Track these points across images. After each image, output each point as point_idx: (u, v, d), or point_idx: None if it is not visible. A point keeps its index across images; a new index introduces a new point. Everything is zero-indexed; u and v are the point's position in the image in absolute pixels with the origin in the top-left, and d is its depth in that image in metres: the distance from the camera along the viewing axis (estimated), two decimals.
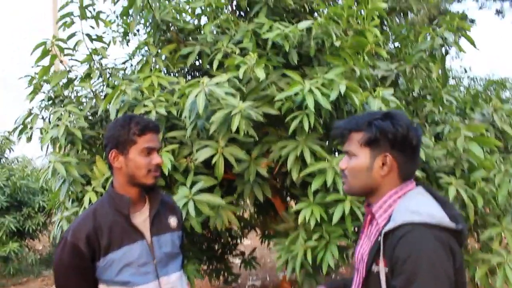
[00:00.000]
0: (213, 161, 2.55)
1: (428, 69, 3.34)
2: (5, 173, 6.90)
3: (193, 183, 2.71)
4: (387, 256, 1.23)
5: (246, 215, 5.10)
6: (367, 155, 1.35)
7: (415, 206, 1.26)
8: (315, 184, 2.59)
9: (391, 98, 2.63)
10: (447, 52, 3.29)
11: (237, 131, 2.46)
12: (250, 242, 7.94)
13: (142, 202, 1.77)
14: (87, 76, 3.15)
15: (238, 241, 5.13)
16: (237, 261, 5.14)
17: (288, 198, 3.81)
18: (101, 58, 3.39)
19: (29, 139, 3.30)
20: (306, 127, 2.51)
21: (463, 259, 1.30)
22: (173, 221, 1.84)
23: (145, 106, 2.72)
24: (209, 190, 3.01)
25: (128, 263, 1.65)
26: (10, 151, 7.76)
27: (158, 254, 1.72)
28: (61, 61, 3.45)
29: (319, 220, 2.59)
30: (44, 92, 3.27)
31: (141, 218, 1.73)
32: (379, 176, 1.34)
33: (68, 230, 1.67)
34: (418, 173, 2.75)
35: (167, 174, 2.69)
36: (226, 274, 4.96)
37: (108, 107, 2.94)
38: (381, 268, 1.24)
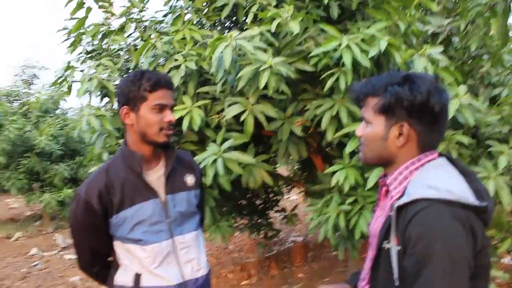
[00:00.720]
0: (242, 118, 2.46)
1: (486, 26, 3.01)
2: (59, 123, 7.18)
3: (225, 140, 2.65)
4: (400, 233, 1.11)
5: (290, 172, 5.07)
6: (382, 123, 1.21)
7: (433, 180, 1.12)
8: (351, 146, 2.44)
9: (439, 57, 2.39)
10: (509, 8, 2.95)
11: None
12: (296, 197, 7.94)
13: (157, 159, 1.71)
14: (121, 29, 3.10)
15: (281, 197, 5.11)
16: (280, 217, 5.14)
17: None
18: (140, 11, 3.34)
19: (68, 90, 3.35)
20: (342, 86, 2.35)
21: (487, 238, 1.13)
22: (190, 179, 1.78)
23: (176, 60, 2.64)
24: (244, 147, 2.95)
25: (140, 221, 1.62)
26: (64, 102, 8.05)
27: (173, 213, 1.68)
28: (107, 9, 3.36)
29: (353, 184, 2.46)
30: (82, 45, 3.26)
31: (156, 176, 1.69)
32: (394, 146, 1.21)
33: (81, 187, 1.66)
34: (466, 139, 2.53)
35: (196, 130, 2.65)
36: (266, 229, 4.98)
37: (141, 60, 2.89)
38: (393, 246, 1.13)
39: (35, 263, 5.79)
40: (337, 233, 2.85)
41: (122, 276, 1.66)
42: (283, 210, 5.09)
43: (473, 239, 1.07)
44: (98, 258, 1.74)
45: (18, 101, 8.03)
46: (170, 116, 1.63)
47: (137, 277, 1.63)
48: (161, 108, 1.61)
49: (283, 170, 10.50)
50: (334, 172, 2.60)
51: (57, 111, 7.87)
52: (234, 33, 2.31)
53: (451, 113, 2.28)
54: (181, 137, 3.09)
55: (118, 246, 1.68)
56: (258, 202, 4.88)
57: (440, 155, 1.23)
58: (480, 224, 1.10)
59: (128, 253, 1.65)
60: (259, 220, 5.00)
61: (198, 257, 1.74)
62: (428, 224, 1.05)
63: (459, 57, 3.26)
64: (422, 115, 1.16)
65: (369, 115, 1.23)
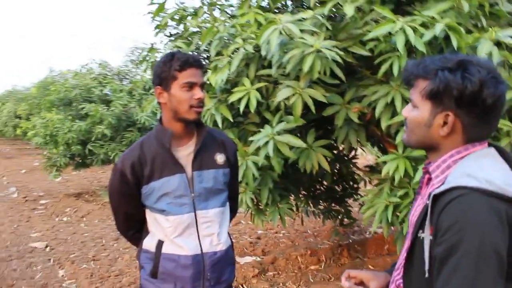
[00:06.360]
0: (290, 102, 2.47)
1: None
2: None
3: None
4: (434, 222, 1.07)
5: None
6: (428, 109, 1.14)
7: (474, 169, 1.07)
8: (401, 135, 2.34)
9: (508, 40, 2.17)
10: None
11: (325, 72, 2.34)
12: None
13: (189, 137, 1.81)
14: (196, 13, 3.26)
15: (360, 185, 5.00)
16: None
17: None
18: None
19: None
20: (395, 71, 2.24)
21: None
22: (219, 158, 1.86)
23: (237, 43, 2.72)
24: (306, 131, 2.97)
25: (165, 193, 1.74)
26: None
27: (198, 188, 1.78)
28: None
29: (402, 176, 2.36)
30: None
31: (185, 152, 1.79)
32: (438, 135, 1.14)
33: (119, 158, 1.82)
34: None
35: (252, 111, 2.71)
36: (343, 216, 4.93)
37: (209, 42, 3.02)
38: (426, 235, 1.09)
39: None
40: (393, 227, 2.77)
41: (149, 241, 1.82)
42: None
43: (510, 234, 1.01)
44: (132, 223, 1.90)
45: (127, 80, 8.81)
46: (199, 94, 1.72)
47: (160, 243, 1.77)
48: (190, 86, 1.70)
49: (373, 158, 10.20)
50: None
51: None
52: (284, 16, 2.32)
53: None
54: (245, 119, 3.20)
55: (148, 214, 1.83)
56: (338, 188, 4.85)
57: (490, 145, 1.16)
58: None
59: (155, 222, 1.79)
60: (337, 207, 4.97)
61: (219, 232, 1.82)
62: (461, 213, 1.01)
63: None
64: (471, 106, 1.08)
65: (416, 98, 1.17)
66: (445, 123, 1.12)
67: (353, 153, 4.45)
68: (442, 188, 1.06)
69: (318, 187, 4.76)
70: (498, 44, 2.26)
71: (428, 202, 1.09)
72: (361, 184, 4.93)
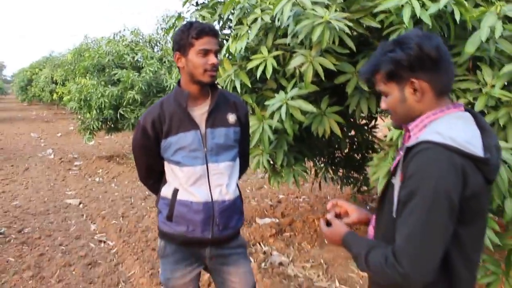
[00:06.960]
0: (302, 69, 2.63)
1: None
2: None
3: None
4: (403, 169, 1.26)
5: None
6: (396, 88, 1.34)
7: (443, 128, 1.24)
8: None
9: None
10: None
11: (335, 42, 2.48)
12: None
13: (203, 98, 2.02)
14: None
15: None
16: None
17: None
18: None
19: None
20: None
21: (484, 188, 1.24)
22: (231, 117, 2.06)
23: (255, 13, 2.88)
24: (321, 97, 3.13)
25: (181, 147, 1.97)
26: None
27: (210, 143, 1.99)
28: None
29: None
30: None
31: (200, 112, 2.01)
32: (415, 103, 1.33)
33: (142, 116, 2.06)
34: None
35: (269, 77, 2.89)
36: (361, 184, 5.09)
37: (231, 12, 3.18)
38: (397, 181, 1.29)
39: None
40: None
41: (166, 189, 2.06)
42: None
43: (463, 184, 1.18)
44: (152, 173, 2.15)
45: (158, 47, 9.06)
46: (213, 59, 1.92)
47: (175, 191, 2.01)
48: (205, 52, 1.90)
49: None
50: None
51: None
52: None
53: None
54: (263, 85, 3.38)
55: (166, 165, 2.07)
56: (357, 157, 5.00)
57: (466, 110, 1.33)
58: (477, 174, 1.21)
59: (172, 172, 2.03)
60: (355, 175, 5.12)
61: (228, 183, 2.04)
62: (424, 163, 1.20)
63: None
64: (423, 65, 1.28)
65: (383, 88, 1.37)
66: (414, 90, 1.31)
67: (373, 123, 4.58)
68: (414, 142, 1.26)
69: (337, 154, 4.93)
70: (506, 18, 2.34)
71: (401, 153, 1.28)
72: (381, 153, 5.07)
